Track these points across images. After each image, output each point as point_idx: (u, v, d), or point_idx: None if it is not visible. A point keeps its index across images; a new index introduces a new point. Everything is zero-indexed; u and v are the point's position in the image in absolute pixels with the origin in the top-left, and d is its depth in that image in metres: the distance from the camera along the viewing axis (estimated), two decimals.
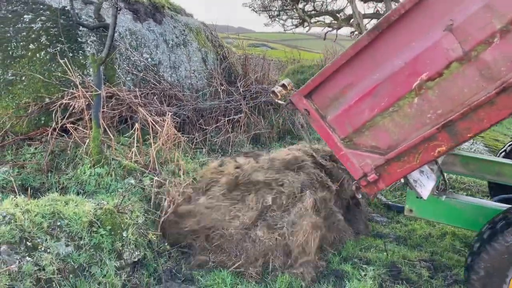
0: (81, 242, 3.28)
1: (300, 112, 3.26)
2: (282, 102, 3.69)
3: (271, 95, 3.54)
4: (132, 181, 4.35)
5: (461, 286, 3.74)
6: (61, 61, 5.09)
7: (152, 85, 6.29)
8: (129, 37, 6.27)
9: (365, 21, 15.37)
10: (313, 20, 15.77)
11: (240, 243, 3.82)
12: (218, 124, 6.99)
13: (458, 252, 4.38)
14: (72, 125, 4.87)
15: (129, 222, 3.69)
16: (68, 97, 4.97)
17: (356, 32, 14.48)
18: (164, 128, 5.21)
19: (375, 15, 16.35)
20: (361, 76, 2.93)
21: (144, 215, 4.05)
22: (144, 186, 4.39)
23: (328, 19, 15.75)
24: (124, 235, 3.57)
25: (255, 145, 7.55)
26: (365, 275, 3.89)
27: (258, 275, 3.70)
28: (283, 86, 3.51)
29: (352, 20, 14.57)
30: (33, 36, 5.42)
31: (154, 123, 5.28)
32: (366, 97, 2.94)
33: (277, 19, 16.75)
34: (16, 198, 3.33)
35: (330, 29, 15.72)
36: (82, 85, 5.06)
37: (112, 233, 3.49)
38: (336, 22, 15.33)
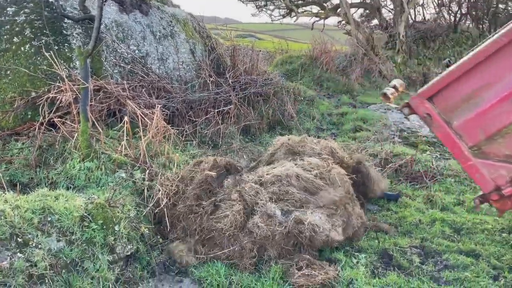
0: (73, 237, 3.25)
1: (420, 117, 2.93)
2: (396, 106, 3.40)
3: (381, 97, 3.23)
4: (123, 175, 4.32)
5: (451, 271, 3.81)
6: (46, 54, 5.00)
7: (140, 78, 6.22)
8: (116, 29, 6.18)
9: (352, 10, 15.39)
10: (300, 10, 15.71)
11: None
12: (207, 116, 6.96)
13: (448, 238, 4.44)
14: (59, 119, 4.80)
15: (121, 216, 3.66)
16: (55, 91, 4.89)
17: (344, 22, 14.49)
18: (153, 121, 5.16)
19: (362, 4, 16.37)
20: (500, 76, 2.60)
21: (136, 208, 4.02)
22: (135, 179, 4.35)
23: (315, 8, 15.72)
24: (116, 229, 3.55)
25: (246, 136, 7.55)
26: (357, 262, 3.94)
27: (251, 266, 3.71)
28: (395, 87, 3.23)
29: (339, 9, 14.56)
30: (17, 29, 5.30)
31: (143, 116, 5.23)
32: (505, 99, 2.60)
33: (264, 9, 16.66)
34: (5, 194, 3.28)
35: (317, 19, 15.68)
36: (69, 79, 4.98)
37: (104, 227, 3.46)
38: (323, 11, 15.30)
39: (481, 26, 18.27)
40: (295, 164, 4.39)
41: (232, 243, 3.81)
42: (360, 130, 8.36)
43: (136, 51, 6.42)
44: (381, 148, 6.65)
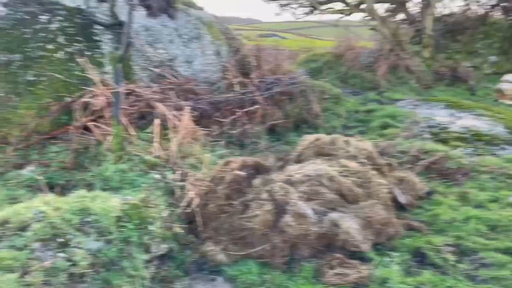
0: (110, 236, 3.35)
1: None
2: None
3: (496, 94, 3.16)
4: (155, 176, 4.42)
5: (488, 269, 3.73)
6: (79, 60, 5.17)
7: (169, 80, 6.34)
8: (144, 33, 6.33)
9: (377, 5, 15.16)
10: (323, 7, 15.60)
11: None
12: (234, 117, 7.03)
13: (483, 236, 4.34)
14: (93, 123, 4.95)
15: (155, 216, 3.75)
16: (88, 96, 5.05)
17: (368, 17, 14.30)
18: (182, 122, 5.26)
19: None
20: None
21: (168, 208, 4.11)
22: (167, 180, 4.45)
23: (339, 5, 15.58)
24: (151, 228, 3.64)
25: (272, 135, 7.57)
26: (390, 261, 3.90)
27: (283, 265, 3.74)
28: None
29: (363, 5, 14.39)
30: (50, 36, 5.50)
31: (172, 117, 5.34)
32: None
33: (287, 7, 16.62)
34: (45, 196, 3.42)
35: (341, 15, 15.53)
36: (101, 83, 5.13)
37: (139, 227, 3.56)
38: (347, 8, 15.14)
39: None
40: (328, 166, 4.37)
41: (264, 242, 3.84)
42: (388, 127, 8.24)
43: (164, 54, 6.56)
44: (411, 145, 6.54)
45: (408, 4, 15.78)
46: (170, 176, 4.64)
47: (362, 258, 3.94)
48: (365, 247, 3.93)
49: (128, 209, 3.59)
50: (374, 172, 4.50)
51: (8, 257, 2.76)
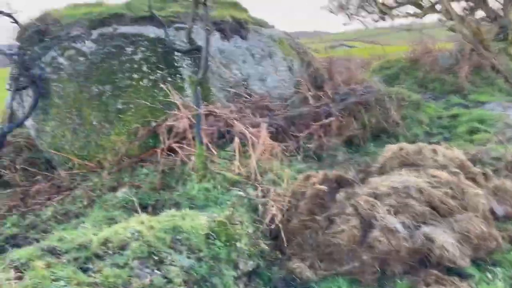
0: (201, 254, 3.46)
1: None
2: None
3: None
4: (238, 193, 4.51)
5: None
6: (162, 86, 5.49)
7: (244, 99, 6.50)
8: (219, 55, 6.57)
9: (453, 4, 14.34)
10: (394, 12, 15.11)
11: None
12: (309, 130, 6.98)
13: None
14: (177, 144, 5.20)
15: (241, 233, 3.81)
16: (172, 119, 5.32)
17: (445, 18, 13.55)
18: (260, 139, 5.34)
19: None
20: None
21: (253, 225, 4.16)
22: (249, 196, 4.51)
23: (411, 9, 14.98)
24: (238, 245, 3.70)
25: (349, 147, 7.39)
26: (493, 277, 3.57)
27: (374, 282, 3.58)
28: None
29: (438, 6, 13.69)
30: (135, 66, 5.92)
31: (250, 135, 5.44)
32: None
33: (356, 16, 16.34)
34: (139, 216, 3.63)
35: (414, 19, 14.91)
36: (183, 106, 5.39)
37: (227, 244, 3.63)
38: (421, 11, 14.50)
39: None
40: (415, 176, 4.15)
41: (352, 258, 3.73)
42: (478, 132, 7.65)
43: (239, 74, 6.74)
44: (505, 150, 6.00)
45: (489, 0, 14.71)
46: (252, 192, 4.71)
47: (460, 274, 3.65)
48: (463, 262, 3.65)
49: (215, 226, 3.69)
50: (468, 182, 4.18)
51: (112, 275, 2.95)
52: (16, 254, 3.49)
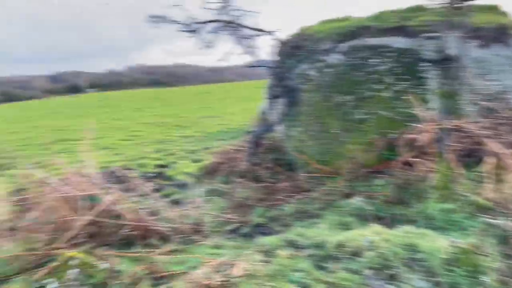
0: (438, 279, 3.19)
1: None
2: None
3: None
4: (488, 220, 3.95)
5: None
6: (405, 97, 5.33)
7: (499, 115, 5.65)
8: (473, 64, 5.93)
9: None
10: None
11: None
12: None
13: None
14: (416, 159, 4.96)
15: (487, 265, 3.33)
16: (413, 132, 5.11)
17: None
18: None
19: None
20: None
21: (503, 259, 3.57)
22: (502, 226, 3.90)
23: None
24: (483, 279, 3.24)
25: None
26: None
27: None
28: None
29: None
30: (379, 77, 5.94)
31: (505, 156, 4.70)
32: None
33: None
34: (374, 226, 3.62)
35: None
36: (427, 119, 5.10)
37: (470, 275, 3.23)
38: None
39: None
40: None
41: None
42: None
43: (495, 86, 5.93)
44: None
45: None
46: (502, 222, 4.05)
47: None
48: None
49: (457, 252, 3.34)
50: None
51: (346, 278, 3.04)
52: (264, 241, 4.02)
